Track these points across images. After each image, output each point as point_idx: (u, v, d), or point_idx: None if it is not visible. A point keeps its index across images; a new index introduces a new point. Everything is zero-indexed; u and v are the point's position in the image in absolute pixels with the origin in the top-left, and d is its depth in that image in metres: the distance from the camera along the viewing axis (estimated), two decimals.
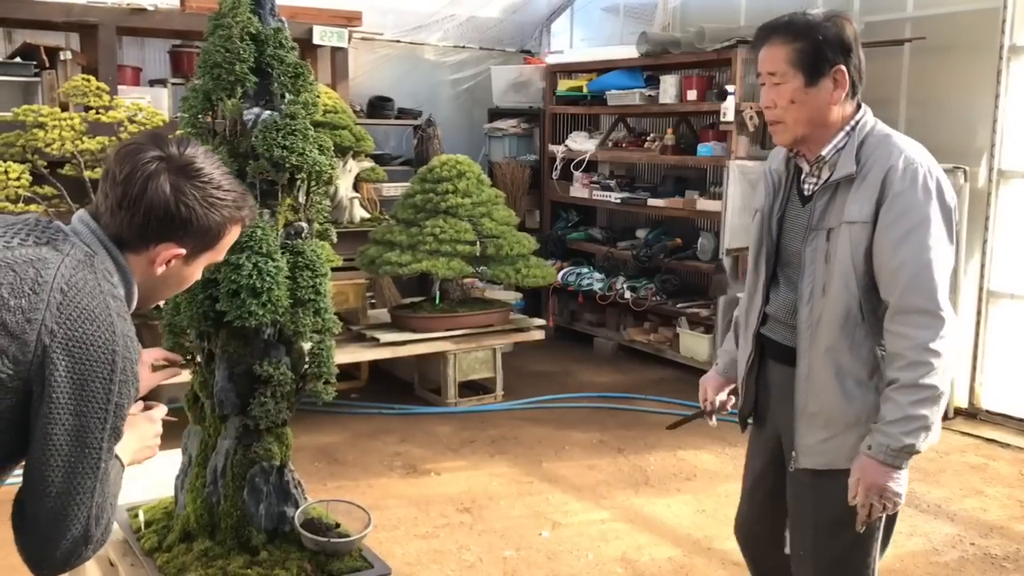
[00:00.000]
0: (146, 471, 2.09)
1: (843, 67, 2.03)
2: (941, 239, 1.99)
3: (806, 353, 2.13)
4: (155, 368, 2.09)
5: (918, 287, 1.97)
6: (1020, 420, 5.09)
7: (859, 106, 2.12)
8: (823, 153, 2.10)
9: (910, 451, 1.99)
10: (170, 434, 2.21)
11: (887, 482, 2.00)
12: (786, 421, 2.22)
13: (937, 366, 1.96)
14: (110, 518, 1.53)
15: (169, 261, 1.57)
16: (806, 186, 2.17)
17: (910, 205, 1.98)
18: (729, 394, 2.56)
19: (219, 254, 1.66)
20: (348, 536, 2.22)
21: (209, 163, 1.59)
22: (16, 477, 1.53)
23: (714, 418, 2.58)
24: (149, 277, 1.59)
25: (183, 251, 1.57)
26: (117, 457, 1.61)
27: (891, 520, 2.17)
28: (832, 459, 2.12)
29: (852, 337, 2.07)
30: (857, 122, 2.09)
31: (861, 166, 2.03)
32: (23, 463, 1.53)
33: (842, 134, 2.08)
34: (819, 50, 2.02)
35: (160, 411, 1.86)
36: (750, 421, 2.42)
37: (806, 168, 2.16)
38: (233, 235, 1.65)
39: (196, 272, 1.66)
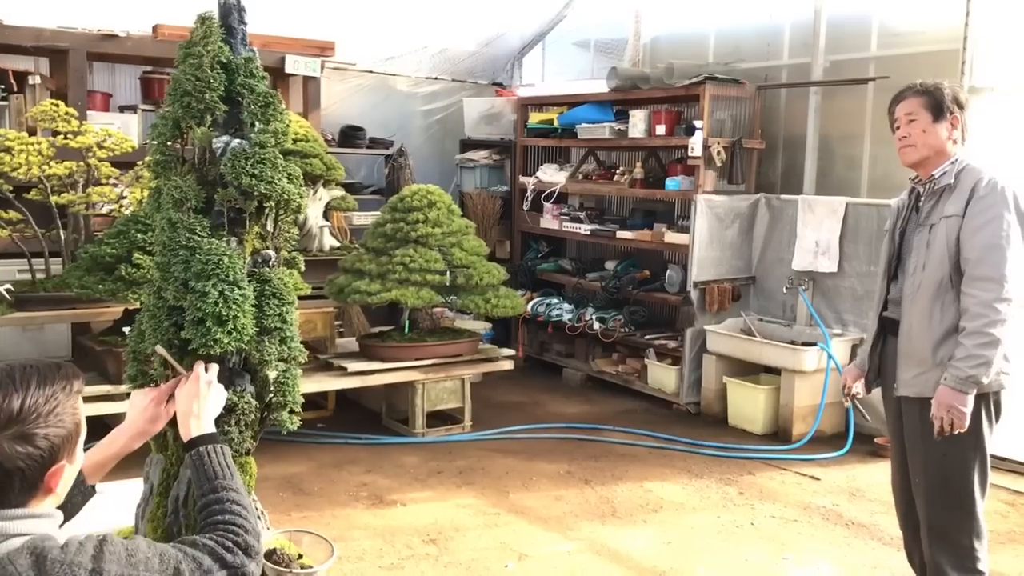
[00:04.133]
0: (107, 500, 2.07)
1: (957, 116, 2.84)
2: (1013, 233, 2.70)
3: (908, 311, 2.88)
4: (169, 399, 2.05)
5: (988, 261, 2.68)
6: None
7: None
8: (934, 174, 2.86)
9: (975, 380, 2.68)
10: (132, 463, 2.19)
11: (955, 402, 2.70)
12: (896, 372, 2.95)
13: (996, 319, 2.66)
14: None
15: (61, 476, 1.56)
16: (921, 203, 2.92)
17: (989, 205, 2.72)
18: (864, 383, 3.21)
19: (82, 427, 1.62)
20: (311, 568, 2.20)
21: (25, 390, 1.52)
22: None
23: (852, 401, 3.25)
24: (55, 498, 1.58)
25: (66, 463, 1.56)
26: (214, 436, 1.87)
27: (984, 470, 2.83)
28: (921, 389, 2.84)
29: (943, 301, 2.79)
30: (958, 159, 2.86)
31: (958, 181, 2.81)
32: None
33: (948, 163, 2.85)
34: (941, 101, 2.84)
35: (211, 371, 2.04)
36: (875, 386, 3.15)
37: (922, 190, 2.92)
38: (81, 408, 1.61)
39: (81, 459, 1.65)
